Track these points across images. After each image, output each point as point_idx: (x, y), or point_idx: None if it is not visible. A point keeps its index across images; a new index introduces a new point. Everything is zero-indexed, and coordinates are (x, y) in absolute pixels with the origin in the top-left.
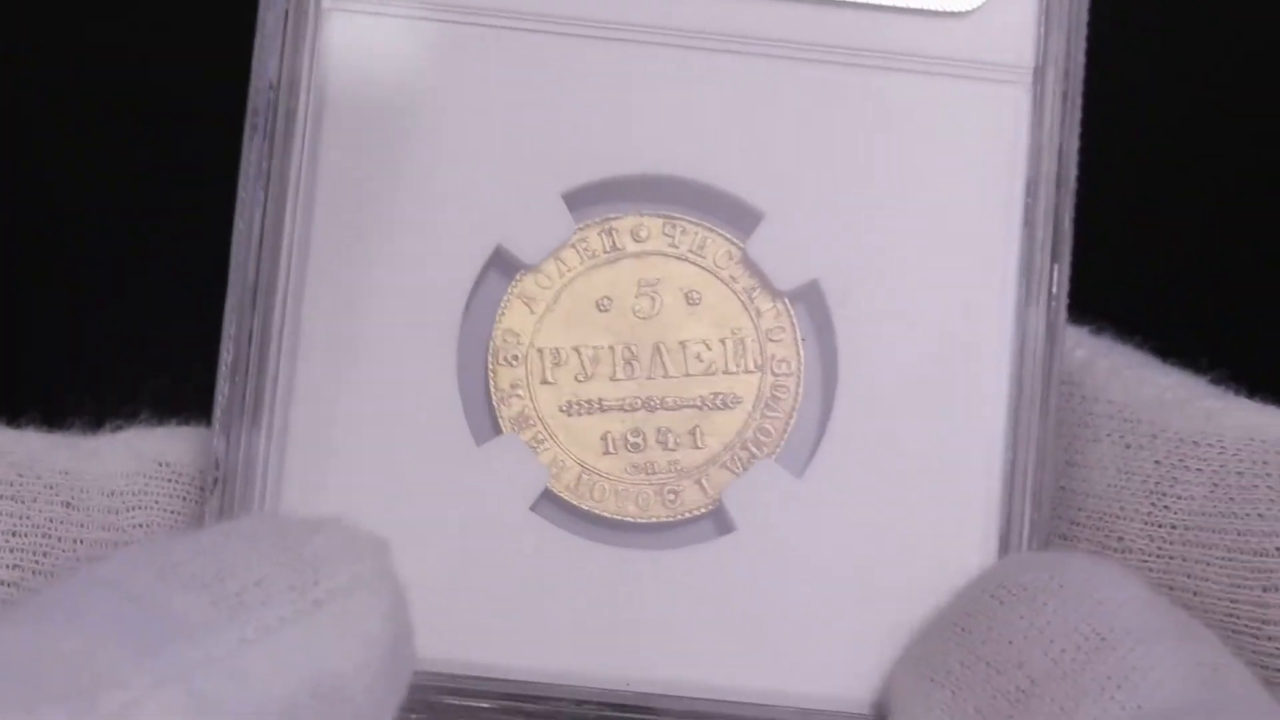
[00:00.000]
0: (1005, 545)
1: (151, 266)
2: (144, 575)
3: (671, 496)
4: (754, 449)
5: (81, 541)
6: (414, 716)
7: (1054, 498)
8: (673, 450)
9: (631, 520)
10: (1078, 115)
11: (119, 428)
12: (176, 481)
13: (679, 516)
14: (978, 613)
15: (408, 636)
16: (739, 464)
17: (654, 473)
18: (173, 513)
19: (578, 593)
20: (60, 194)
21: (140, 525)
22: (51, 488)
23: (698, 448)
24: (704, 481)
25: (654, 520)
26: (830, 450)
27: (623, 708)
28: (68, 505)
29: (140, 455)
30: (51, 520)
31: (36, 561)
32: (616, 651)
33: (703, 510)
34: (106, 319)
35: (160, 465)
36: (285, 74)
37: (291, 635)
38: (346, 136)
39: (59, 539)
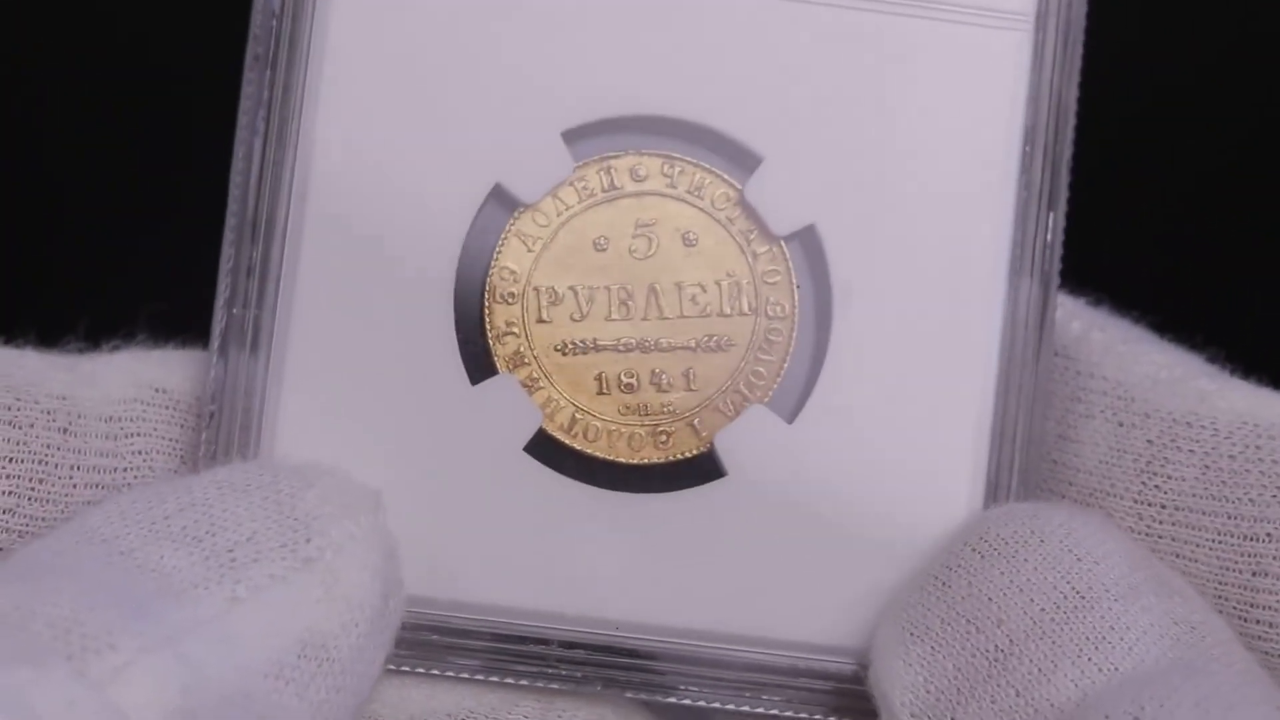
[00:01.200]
0: (993, 495)
1: (152, 188)
2: (135, 530)
3: (664, 438)
4: (746, 392)
5: (78, 468)
6: (403, 653)
7: (1044, 450)
8: (666, 391)
9: (623, 461)
10: (1078, 64)
11: (116, 348)
12: (174, 409)
13: (670, 459)
14: (958, 567)
15: (397, 593)
16: (731, 407)
17: (647, 414)
18: (170, 440)
19: (568, 535)
20: (58, 117)
21: (139, 453)
22: (49, 413)
23: (691, 390)
24: (696, 424)
25: (645, 462)
26: (822, 397)
27: (610, 650)
28: (65, 431)
29: (138, 381)
30: (49, 447)
31: (33, 488)
32: (605, 592)
33: (694, 453)
34: (106, 236)
35: (157, 392)
36: (289, 3)
37: (281, 594)
38: (348, 69)
39: (56, 465)
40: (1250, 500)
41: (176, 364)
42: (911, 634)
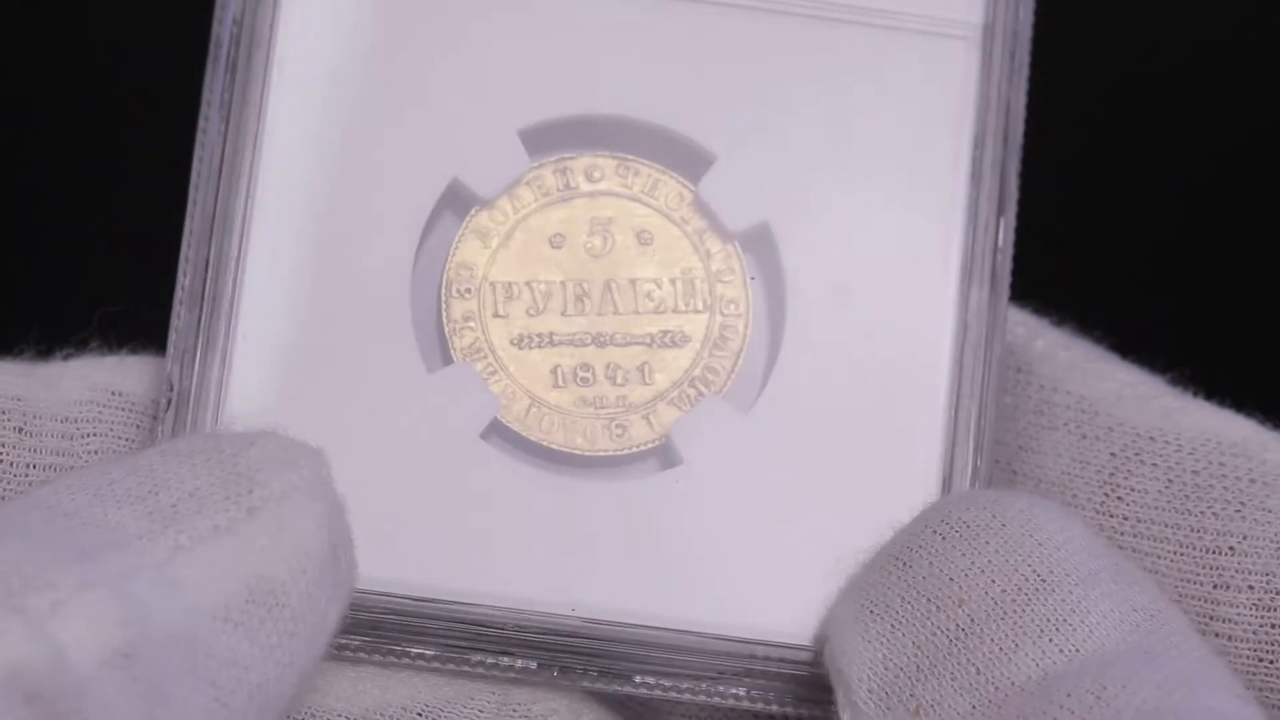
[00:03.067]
0: (948, 486)
1: (107, 195)
2: (80, 495)
3: (619, 430)
4: (701, 387)
5: (34, 466)
6: (359, 640)
7: (997, 451)
8: (621, 385)
9: (579, 453)
10: (1025, 74)
11: (69, 356)
12: (130, 410)
13: (626, 450)
14: (919, 548)
15: (347, 545)
16: (686, 401)
17: (602, 407)
18: (126, 440)
19: (524, 520)
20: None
21: (94, 452)
22: (4, 413)
23: (646, 384)
24: (651, 417)
25: (601, 453)
26: (776, 389)
27: (565, 633)
28: (20, 431)
29: (93, 384)
30: (4, 445)
31: None
32: (561, 579)
33: (649, 445)
34: (57, 248)
35: (113, 394)
36: (248, 7)
37: (226, 542)
38: (305, 69)
39: (11, 464)
40: (1214, 514)
41: (132, 368)
42: (871, 611)
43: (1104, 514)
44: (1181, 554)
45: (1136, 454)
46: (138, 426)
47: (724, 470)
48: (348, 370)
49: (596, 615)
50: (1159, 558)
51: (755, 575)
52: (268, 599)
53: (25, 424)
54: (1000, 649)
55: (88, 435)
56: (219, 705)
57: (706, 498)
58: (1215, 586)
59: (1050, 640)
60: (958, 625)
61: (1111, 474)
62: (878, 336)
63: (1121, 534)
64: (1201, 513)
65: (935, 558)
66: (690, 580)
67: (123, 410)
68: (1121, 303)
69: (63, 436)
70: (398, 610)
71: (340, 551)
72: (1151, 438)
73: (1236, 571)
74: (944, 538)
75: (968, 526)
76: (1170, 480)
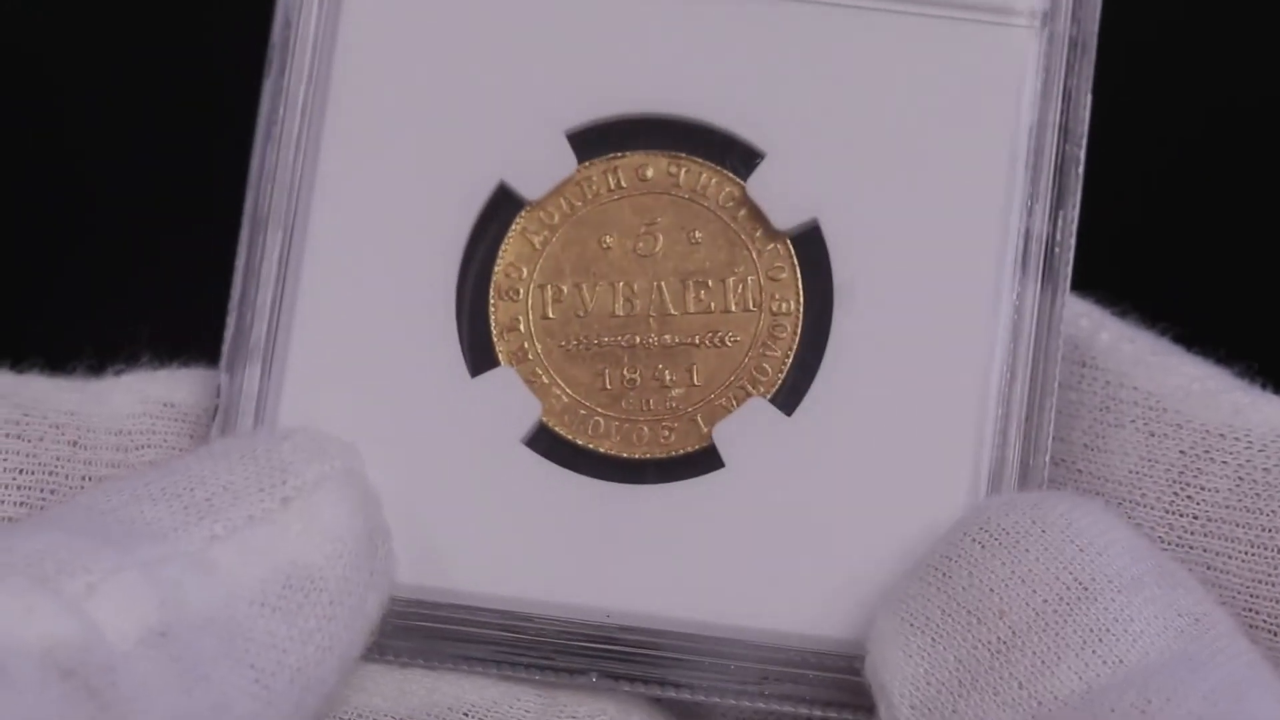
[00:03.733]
0: (996, 486)
1: (159, 217)
2: (117, 496)
3: (666, 433)
4: (750, 388)
5: (89, 479)
6: (403, 644)
7: (1047, 451)
8: (669, 388)
9: (624, 456)
10: (1090, 63)
11: (121, 372)
12: (183, 421)
13: (672, 453)
14: (959, 557)
15: (384, 534)
16: (733, 402)
17: (649, 410)
18: (181, 450)
19: (565, 525)
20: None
21: (150, 463)
22: (58, 427)
23: (694, 385)
24: (699, 419)
25: (646, 457)
26: (822, 390)
27: (604, 639)
28: (74, 444)
29: (145, 397)
30: (58, 459)
31: (43, 499)
32: (602, 585)
33: (695, 447)
34: (110, 258)
35: (166, 406)
36: (301, 10)
37: (261, 530)
38: (356, 72)
39: (66, 476)
40: None
41: (183, 381)
42: (911, 625)
43: (1173, 513)
44: (1253, 554)
45: (1206, 451)
46: (191, 437)
47: (767, 473)
48: (394, 375)
49: (636, 620)
50: (1230, 558)
51: (795, 580)
52: (304, 584)
53: (79, 438)
54: (1043, 662)
55: (141, 447)
56: (260, 687)
57: (748, 502)
58: None
59: (1094, 652)
60: (999, 638)
61: (1181, 472)
62: (927, 335)
63: (1191, 534)
64: (1274, 511)
65: (975, 567)
66: (730, 584)
67: (176, 421)
68: (1187, 295)
69: (117, 449)
70: (441, 618)
71: (377, 539)
72: (1221, 434)
73: None
74: (983, 546)
75: (1007, 533)
76: (1241, 478)
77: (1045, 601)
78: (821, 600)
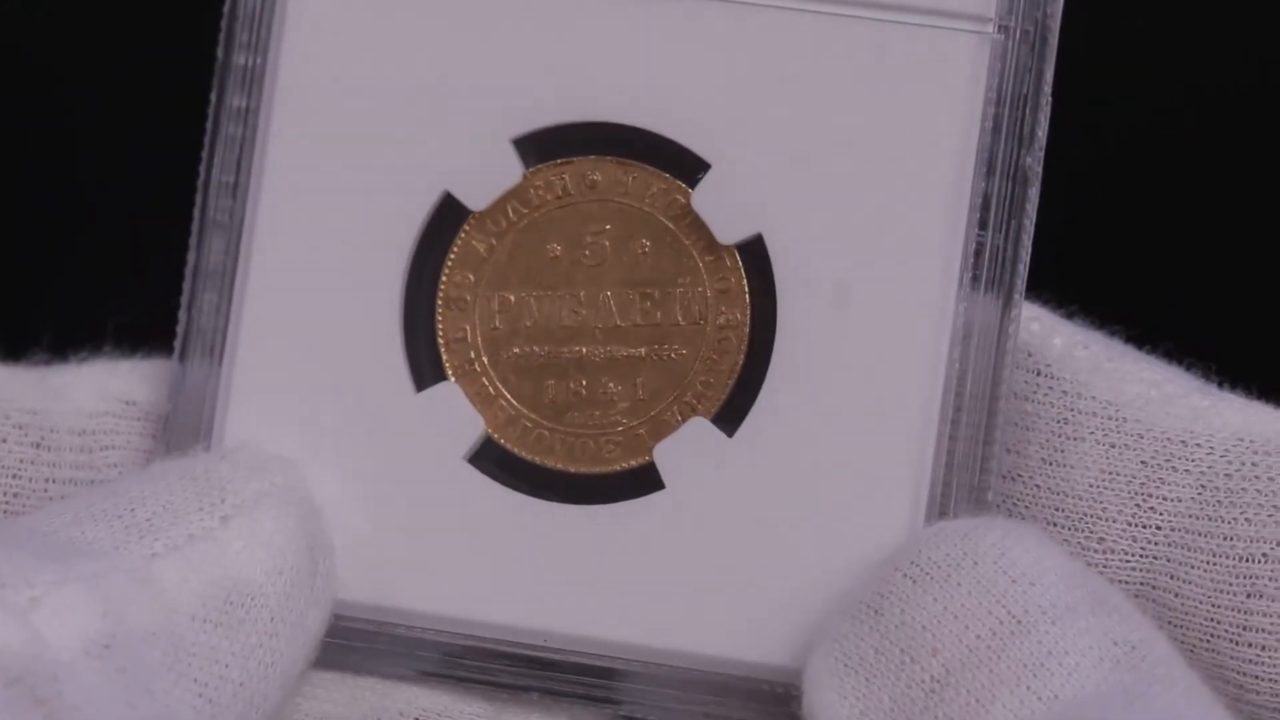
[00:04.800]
0: (942, 508)
1: (120, 196)
2: (59, 518)
3: (611, 449)
4: (694, 403)
5: (53, 481)
6: (341, 659)
7: (996, 471)
8: (614, 402)
9: (566, 470)
10: (1050, 68)
11: (84, 359)
12: (145, 420)
13: (612, 469)
14: (891, 594)
15: (325, 549)
16: (679, 417)
17: (593, 424)
18: (143, 452)
19: (506, 544)
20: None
21: (113, 465)
22: (21, 428)
23: (639, 399)
24: (643, 433)
25: (588, 471)
26: (764, 411)
27: (546, 664)
28: (38, 446)
29: (108, 394)
30: (21, 461)
31: (7, 503)
32: (542, 605)
33: (635, 464)
34: (71, 244)
35: (128, 404)
36: (251, 17)
37: (200, 547)
38: (305, 81)
39: (30, 479)
40: (1246, 520)
41: (145, 375)
42: (845, 665)
43: (1136, 525)
44: (1214, 563)
45: (1167, 460)
46: (154, 438)
47: (707, 495)
48: (339, 388)
49: (574, 643)
50: (1191, 567)
51: (735, 605)
52: (245, 600)
53: (43, 438)
54: (977, 700)
55: (105, 448)
56: (204, 701)
57: (688, 524)
58: (1248, 595)
59: (1028, 688)
60: (932, 677)
61: (1143, 484)
62: (871, 352)
63: (1155, 544)
64: (1234, 519)
65: (907, 604)
66: (669, 608)
67: (138, 420)
68: (1138, 293)
69: (80, 450)
70: (384, 633)
71: (319, 555)
72: (1183, 441)
73: (1269, 580)
74: (915, 581)
75: (938, 567)
76: (1203, 486)
77: (978, 637)
78: (760, 628)
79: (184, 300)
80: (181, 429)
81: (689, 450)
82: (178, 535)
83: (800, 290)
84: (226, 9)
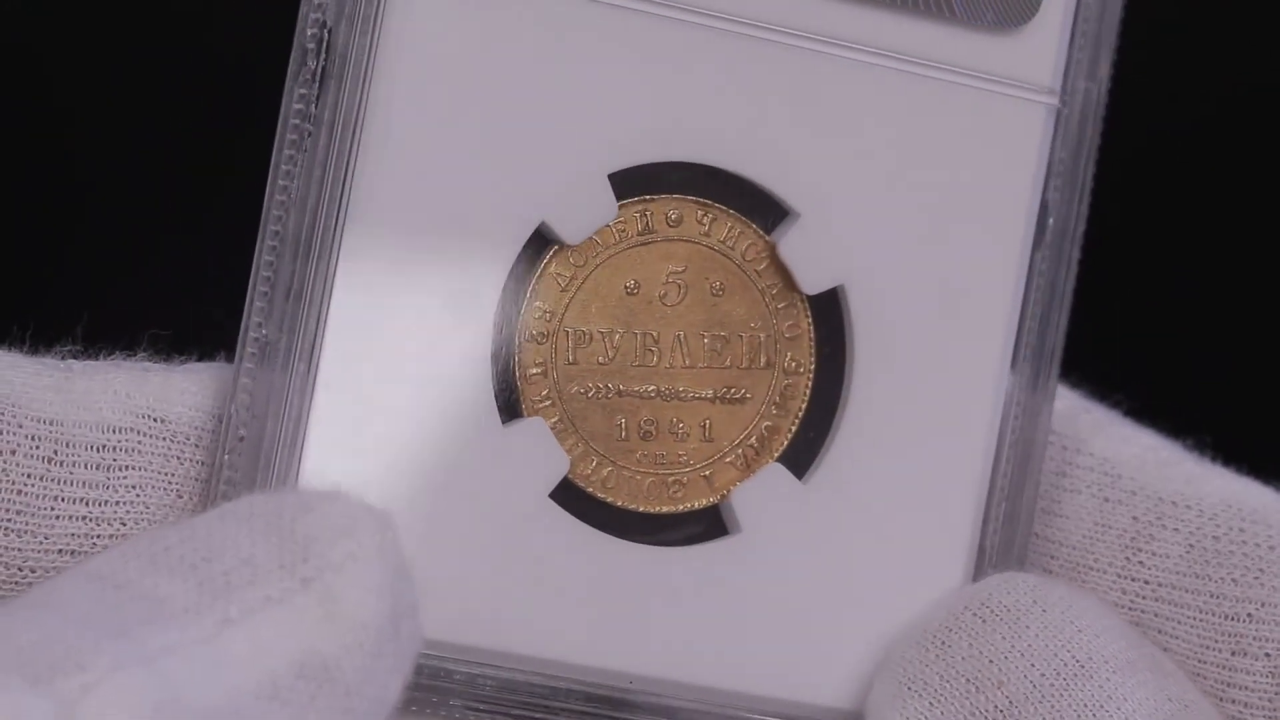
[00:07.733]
0: (981, 562)
1: (173, 198)
2: (133, 564)
3: (678, 490)
4: (759, 446)
5: (62, 499)
6: (419, 695)
7: (1028, 530)
8: (682, 441)
9: (637, 510)
10: (1095, 143)
11: (113, 360)
12: (171, 440)
13: (682, 508)
14: (959, 629)
15: (410, 613)
16: (744, 460)
17: (662, 463)
18: (166, 474)
19: (582, 584)
20: (83, 119)
21: (132, 487)
22: (34, 439)
23: (707, 440)
24: (708, 474)
25: (657, 511)
26: (835, 457)
27: (615, 704)
28: (49, 461)
29: (134, 408)
30: (29, 476)
31: (9, 520)
32: (616, 646)
33: (705, 504)
34: (108, 267)
35: (155, 421)
36: (345, 16)
37: (276, 615)
38: (400, 96)
39: (37, 496)
40: (1233, 580)
41: (177, 389)
42: (909, 688)
43: (1125, 578)
44: (1200, 620)
45: (1159, 518)
46: (179, 459)
47: (778, 539)
48: (425, 420)
49: (650, 684)
50: (1179, 623)
51: (805, 648)
52: (319, 674)
53: (56, 452)
54: None
55: (125, 468)
56: None
57: (760, 567)
58: (1233, 653)
59: None
60: (996, 707)
61: (1134, 538)
62: (936, 412)
63: (1143, 598)
64: (1221, 579)
65: (975, 639)
66: (741, 650)
67: (164, 440)
68: (1139, 368)
69: (97, 467)
70: (450, 670)
71: (402, 621)
72: (1174, 502)
73: (1254, 639)
74: (984, 620)
75: (1008, 610)
76: (1191, 545)
77: (1043, 675)
78: (830, 672)
79: (252, 318)
80: (250, 455)
81: (762, 494)
82: (254, 597)
83: (873, 344)
84: (318, 35)
